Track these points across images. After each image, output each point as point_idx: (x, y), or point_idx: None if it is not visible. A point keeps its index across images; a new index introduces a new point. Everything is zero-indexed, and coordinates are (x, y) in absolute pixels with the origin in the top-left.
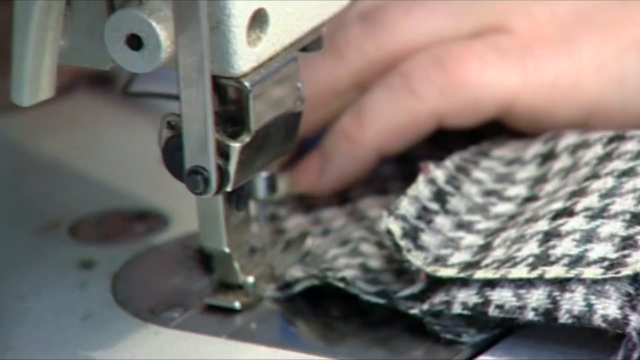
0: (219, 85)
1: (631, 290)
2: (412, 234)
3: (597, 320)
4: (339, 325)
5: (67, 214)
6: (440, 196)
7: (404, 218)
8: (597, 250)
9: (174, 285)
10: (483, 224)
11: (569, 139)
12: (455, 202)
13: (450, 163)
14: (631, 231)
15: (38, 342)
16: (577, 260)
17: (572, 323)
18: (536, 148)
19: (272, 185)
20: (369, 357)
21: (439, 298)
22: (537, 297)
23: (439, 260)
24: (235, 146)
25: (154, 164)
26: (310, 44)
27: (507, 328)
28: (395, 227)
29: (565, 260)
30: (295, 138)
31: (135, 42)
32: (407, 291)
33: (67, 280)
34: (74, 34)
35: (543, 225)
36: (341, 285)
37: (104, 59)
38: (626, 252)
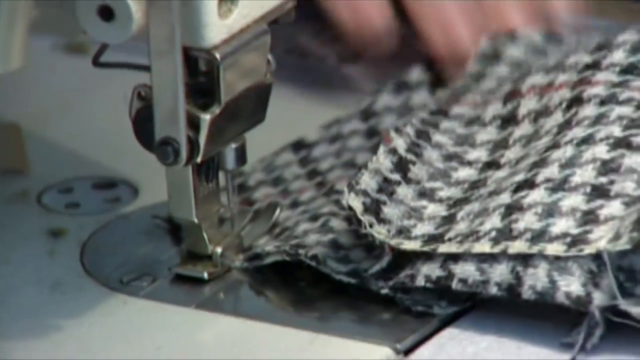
0: (189, 57)
1: (594, 267)
2: (373, 208)
3: (560, 297)
4: (307, 292)
5: (36, 182)
6: (401, 166)
7: (364, 193)
8: (559, 225)
9: (142, 255)
10: (445, 192)
11: (529, 103)
12: (416, 170)
13: (410, 129)
14: (592, 205)
15: (6, 311)
16: (539, 235)
17: (535, 299)
18: (496, 108)
19: (241, 156)
20: (338, 322)
21: (404, 272)
22: (500, 272)
23: (402, 232)
24: (206, 117)
25: (124, 133)
26: (281, 16)
27: (479, 300)
28: (356, 204)
29: (528, 235)
30: (265, 109)
31: (106, 13)
32: (376, 267)
33: (35, 249)
34: (45, 4)
35: (505, 198)
36: (313, 263)
37: (75, 30)
38: (588, 227)
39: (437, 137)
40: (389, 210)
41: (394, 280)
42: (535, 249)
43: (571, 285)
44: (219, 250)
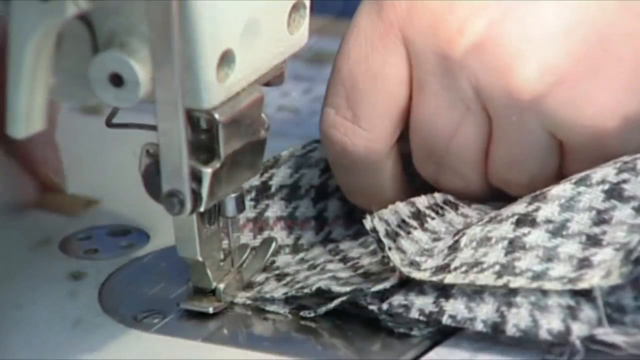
0: (192, 117)
1: (572, 302)
2: (392, 236)
3: (543, 334)
4: (308, 323)
5: (58, 231)
6: (419, 216)
7: (386, 222)
8: (558, 270)
9: (154, 294)
10: (458, 226)
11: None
12: (434, 224)
13: (436, 199)
14: (586, 253)
15: (32, 347)
16: (539, 276)
17: (520, 336)
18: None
19: (240, 204)
20: (339, 352)
21: (397, 300)
22: (486, 311)
23: (414, 264)
24: (207, 171)
25: (135, 186)
26: (273, 79)
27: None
28: (380, 227)
29: (529, 274)
30: (260, 162)
31: (117, 80)
32: (380, 286)
33: (58, 291)
34: (62, 73)
35: (507, 230)
36: (311, 315)
37: (89, 95)
38: (583, 271)
39: (466, 210)
40: (404, 243)
41: (387, 305)
42: (535, 285)
43: (552, 322)
44: (221, 286)
